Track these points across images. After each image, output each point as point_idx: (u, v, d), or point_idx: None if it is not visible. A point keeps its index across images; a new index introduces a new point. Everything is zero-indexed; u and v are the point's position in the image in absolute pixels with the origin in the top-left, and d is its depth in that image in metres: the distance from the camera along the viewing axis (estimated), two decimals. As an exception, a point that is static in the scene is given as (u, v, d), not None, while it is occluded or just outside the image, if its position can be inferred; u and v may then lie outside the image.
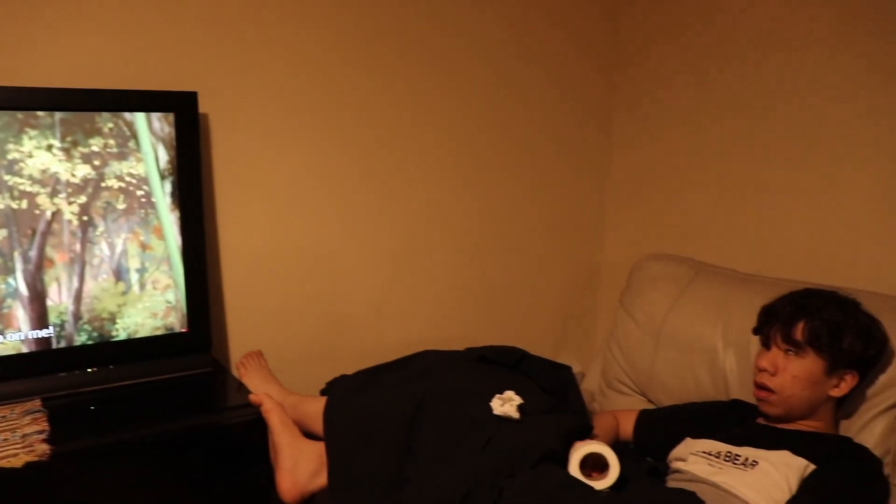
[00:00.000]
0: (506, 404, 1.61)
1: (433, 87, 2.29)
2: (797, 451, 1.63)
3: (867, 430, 1.78)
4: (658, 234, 2.63)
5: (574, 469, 1.54)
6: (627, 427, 1.99)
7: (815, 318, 1.70)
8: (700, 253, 2.41)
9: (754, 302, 1.88)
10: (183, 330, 1.87)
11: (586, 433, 1.73)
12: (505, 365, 1.86)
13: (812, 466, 1.60)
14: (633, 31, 2.62)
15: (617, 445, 1.94)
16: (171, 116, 1.77)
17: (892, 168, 2.01)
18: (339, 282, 2.24)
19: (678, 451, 1.81)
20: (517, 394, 1.64)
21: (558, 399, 1.83)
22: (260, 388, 1.89)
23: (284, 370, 2.07)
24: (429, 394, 1.64)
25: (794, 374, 1.70)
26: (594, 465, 1.60)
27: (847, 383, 1.72)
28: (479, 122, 2.41)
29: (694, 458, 1.73)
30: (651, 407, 2.13)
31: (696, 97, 2.44)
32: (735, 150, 2.36)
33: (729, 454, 1.69)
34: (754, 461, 1.63)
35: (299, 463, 1.69)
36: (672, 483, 1.70)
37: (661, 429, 1.93)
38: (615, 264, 2.72)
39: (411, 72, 2.25)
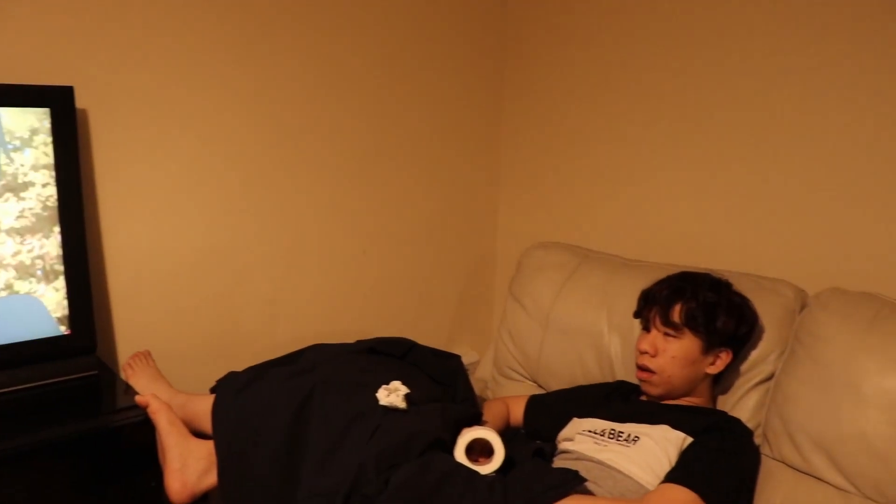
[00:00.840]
0: (392, 394, 1.61)
1: (320, 82, 2.27)
2: (676, 426, 1.68)
3: (742, 403, 1.85)
4: (549, 223, 2.67)
5: (460, 455, 1.55)
6: (518, 412, 2.01)
7: (690, 300, 1.75)
8: (587, 240, 2.46)
9: (636, 286, 1.92)
10: (65, 332, 1.80)
11: (475, 420, 1.75)
12: (393, 356, 1.86)
13: (690, 439, 1.65)
14: (521, 21, 2.64)
15: (508, 431, 1.97)
16: (46, 112, 1.71)
17: (759, 154, 2.10)
18: (230, 280, 2.20)
19: (566, 431, 1.84)
20: (404, 384, 1.64)
21: (447, 388, 1.84)
22: (147, 389, 1.84)
23: (176, 370, 2.02)
24: (315, 387, 1.63)
25: (673, 354, 1.75)
26: (481, 450, 1.62)
27: (722, 360, 1.78)
28: (367, 116, 2.41)
29: (580, 438, 1.76)
30: (541, 392, 2.16)
31: (582, 89, 2.49)
32: (619, 140, 2.42)
33: (612, 431, 1.73)
34: (636, 437, 1.68)
35: (188, 463, 1.66)
36: (559, 463, 1.73)
37: (549, 412, 1.96)
38: (509, 254, 2.75)
39: (298, 66, 2.22)
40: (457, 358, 1.93)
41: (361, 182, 2.44)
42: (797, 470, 1.71)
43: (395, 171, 2.52)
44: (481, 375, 2.52)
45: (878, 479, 1.56)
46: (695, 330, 1.73)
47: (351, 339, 1.97)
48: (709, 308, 1.74)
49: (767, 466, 1.76)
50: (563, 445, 1.80)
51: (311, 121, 2.28)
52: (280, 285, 2.31)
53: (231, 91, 2.12)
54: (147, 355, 2.02)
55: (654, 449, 1.63)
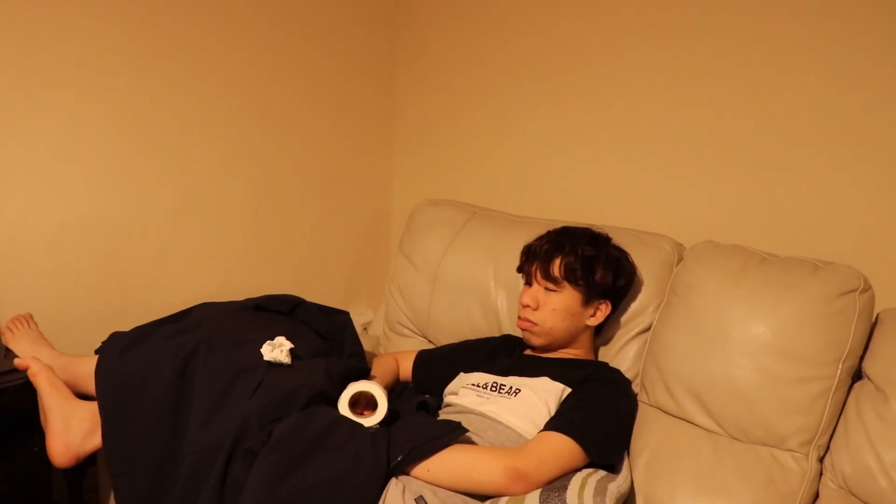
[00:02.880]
0: (276, 350, 1.59)
1: (208, 32, 2.19)
2: (556, 377, 1.70)
3: (622, 354, 1.89)
4: (442, 181, 2.67)
5: (343, 408, 1.54)
6: (406, 367, 2.01)
7: (570, 254, 1.76)
8: (478, 197, 2.46)
9: (522, 242, 1.93)
10: (-65, 295, 1.72)
11: (362, 375, 1.74)
12: (280, 312, 1.84)
13: (569, 390, 1.68)
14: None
15: (398, 386, 1.97)
16: None
17: (640, 114, 2.13)
18: (117, 240, 2.13)
19: (452, 385, 1.85)
20: (289, 339, 1.63)
21: (334, 343, 1.82)
22: (28, 352, 1.76)
23: (63, 334, 1.94)
24: (200, 344, 1.59)
25: (554, 307, 1.77)
26: (366, 404, 1.62)
27: (602, 312, 1.81)
28: (258, 74, 2.34)
29: (464, 391, 1.77)
30: (430, 347, 2.17)
31: (474, 46, 2.49)
32: (508, 98, 2.42)
33: (495, 384, 1.74)
34: (518, 389, 1.69)
35: (71, 425, 1.61)
36: (443, 415, 1.74)
37: (437, 367, 1.97)
38: (404, 212, 2.73)
39: (183, 16, 2.14)
40: (345, 314, 1.91)
41: (253, 141, 2.38)
42: (671, 415, 1.75)
43: (288, 130, 2.47)
44: (375, 332, 2.50)
45: (741, 420, 1.62)
46: (574, 283, 1.76)
47: (242, 297, 1.94)
48: (587, 261, 1.76)
49: (644, 413, 1.79)
50: (448, 399, 1.81)
51: (200, 75, 2.21)
52: (169, 246, 2.25)
53: (111, 45, 2.02)
54: (28, 318, 1.94)
55: (535, 400, 1.65)
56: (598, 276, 1.76)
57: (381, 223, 2.88)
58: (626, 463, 1.64)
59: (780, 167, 1.88)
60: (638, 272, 1.87)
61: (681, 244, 1.93)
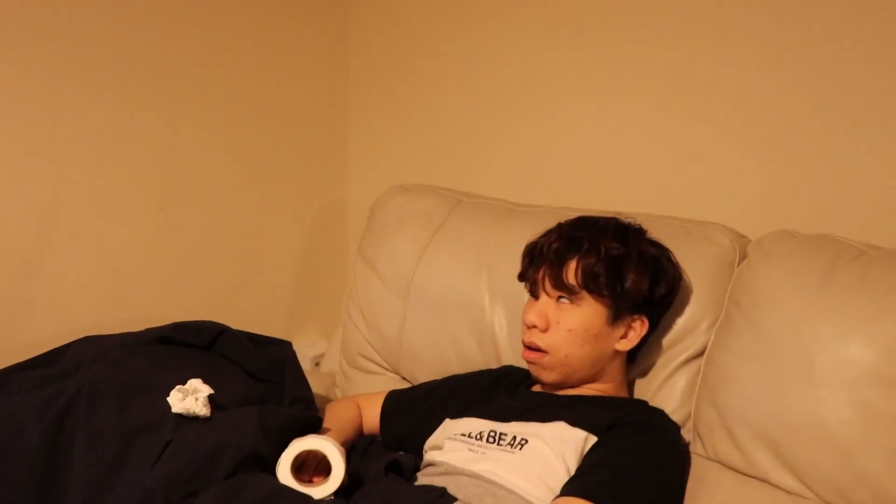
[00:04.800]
0: (188, 398, 1.57)
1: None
2: (575, 422, 1.67)
3: (667, 388, 1.87)
4: (412, 160, 2.69)
5: (285, 474, 1.52)
6: (372, 415, 1.99)
7: (589, 254, 1.74)
8: (461, 180, 2.45)
9: (523, 240, 1.91)
10: None
11: (310, 428, 1.72)
12: (194, 346, 1.82)
13: (594, 439, 1.66)
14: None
15: (361, 441, 1.95)
16: None
17: (685, 68, 2.12)
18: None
19: (435, 437, 1.83)
20: (207, 382, 1.61)
21: (272, 385, 1.81)
22: None
23: None
24: (79, 395, 1.59)
25: (570, 327, 1.75)
26: (317, 467, 1.61)
27: (636, 332, 1.79)
28: (174, 38, 2.35)
29: (451, 444, 1.75)
30: (404, 387, 2.14)
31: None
32: (502, 63, 2.45)
33: (493, 434, 1.72)
34: (524, 440, 1.67)
35: None
36: (423, 479, 1.71)
37: (413, 412, 1.95)
38: (363, 203, 2.70)
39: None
40: (285, 345, 1.90)
41: (155, 113, 2.35)
42: (738, 471, 1.73)
43: (203, 98, 2.45)
44: (329, 368, 2.48)
45: (837, 478, 1.58)
46: (596, 293, 1.73)
47: (141, 328, 1.92)
48: (614, 263, 1.74)
49: (700, 469, 1.77)
50: (429, 456, 1.79)
51: (89, 33, 2.19)
52: (37, 259, 2.21)
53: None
54: None
55: (547, 454, 1.63)
56: (629, 283, 1.74)
57: (333, 220, 2.87)
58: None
59: (882, 132, 1.87)
60: (685, 276, 1.85)
61: (744, 236, 1.91)
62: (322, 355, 2.71)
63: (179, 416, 1.58)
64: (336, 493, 1.52)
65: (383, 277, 2.24)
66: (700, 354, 1.86)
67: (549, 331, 1.76)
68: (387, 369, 2.27)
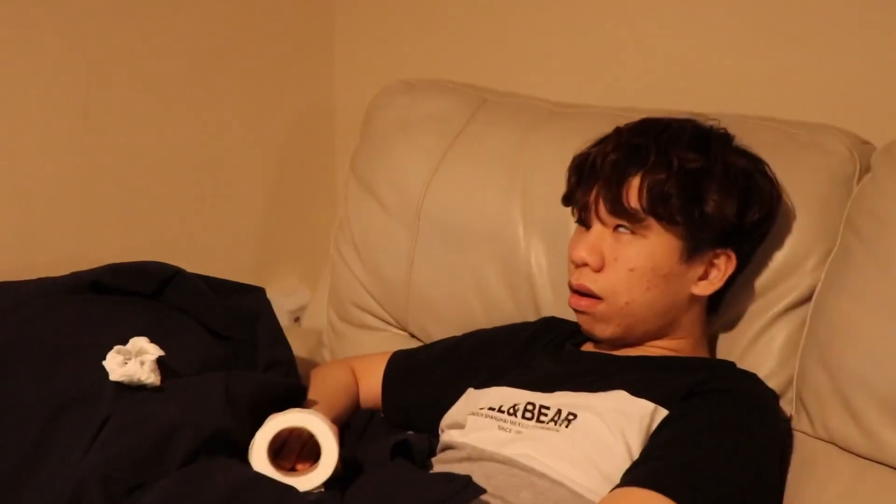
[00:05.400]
0: (131, 362, 1.55)
1: None
2: (639, 390, 1.68)
3: (761, 345, 1.88)
4: (418, 48, 2.69)
5: (259, 459, 1.53)
6: (372, 383, 2.01)
7: (657, 168, 1.74)
8: (484, 73, 2.44)
9: (569, 151, 1.90)
10: None
11: (292, 400, 1.73)
12: (138, 294, 1.83)
13: (664, 412, 1.67)
14: None
15: (358, 417, 1.97)
16: None
17: None
18: None
19: (454, 411, 1.85)
20: (156, 341, 1.60)
21: (239, 345, 1.83)
22: None
23: None
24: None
25: (632, 264, 1.75)
26: (302, 451, 1.62)
27: (719, 271, 1.79)
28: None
29: (476, 421, 1.76)
30: (414, 346, 2.16)
31: None
32: None
33: (531, 407, 1.73)
34: (571, 414, 1.68)
35: None
36: (440, 467, 1.73)
37: (425, 379, 1.97)
38: (355, 106, 2.69)
39: None
40: (257, 292, 1.91)
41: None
42: (856, 455, 1.74)
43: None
44: (313, 323, 2.51)
45: None
46: (667, 220, 1.73)
47: (65, 272, 1.92)
48: (691, 180, 1.73)
49: (806, 451, 1.79)
50: (448, 436, 1.81)
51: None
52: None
53: None
54: None
55: (602, 432, 1.64)
56: (710, 207, 1.73)
57: (316, 128, 2.89)
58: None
59: None
60: (785, 196, 1.85)
61: (866, 142, 1.91)
62: (304, 307, 2.74)
63: (120, 385, 1.56)
64: (327, 484, 1.52)
65: (384, 203, 2.25)
66: (806, 300, 1.86)
67: (604, 270, 1.76)
68: (390, 324, 2.30)
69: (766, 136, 1.90)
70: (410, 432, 1.84)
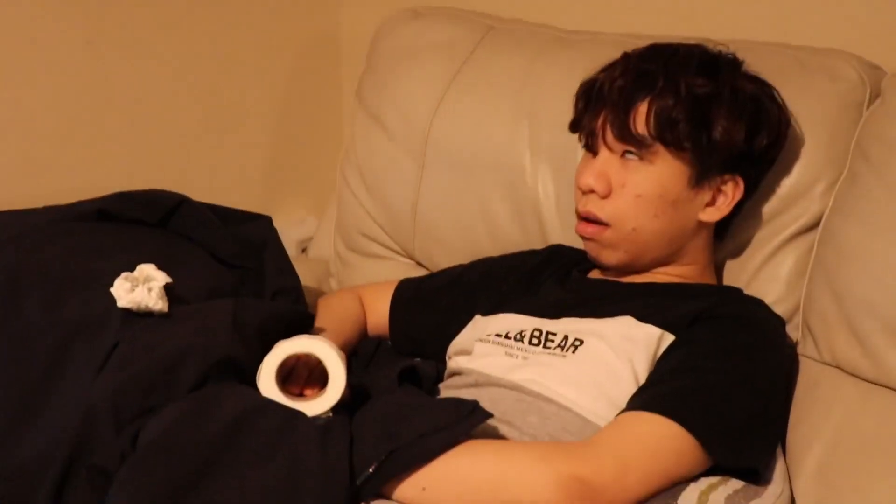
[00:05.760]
0: (139, 288, 1.56)
1: None
2: (646, 316, 1.70)
3: (768, 271, 1.90)
4: None
5: (268, 384, 1.54)
6: (379, 311, 2.03)
7: (665, 94, 1.74)
8: (486, 3, 2.44)
9: (576, 78, 1.90)
10: None
11: (301, 327, 1.74)
12: (143, 222, 1.84)
13: (670, 337, 1.68)
14: None
15: (365, 344, 1.99)
16: None
17: None
18: None
19: (461, 338, 1.87)
20: (162, 268, 1.61)
21: (247, 273, 1.84)
22: None
23: None
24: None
25: (639, 190, 1.75)
26: (309, 377, 1.63)
27: (727, 197, 1.80)
28: None
29: (483, 348, 1.78)
30: (420, 275, 2.18)
31: None
32: None
33: (538, 333, 1.74)
34: (578, 340, 1.70)
35: None
36: (447, 392, 1.75)
37: (432, 306, 1.99)
38: (361, 33, 2.67)
39: None
40: (263, 221, 1.92)
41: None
42: (862, 378, 1.76)
43: None
44: (320, 254, 2.52)
45: None
46: (675, 145, 1.73)
47: (70, 201, 1.93)
48: (699, 105, 1.73)
49: (811, 375, 1.81)
50: (455, 362, 1.83)
51: None
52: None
53: None
54: None
55: (608, 357, 1.65)
56: (718, 132, 1.74)
57: (323, 57, 2.89)
58: (778, 467, 1.65)
59: None
60: (794, 122, 1.85)
61: (877, 67, 1.91)
62: (310, 238, 2.75)
63: (128, 312, 1.58)
64: (335, 409, 1.53)
65: (391, 131, 2.26)
66: (814, 226, 1.88)
67: (611, 197, 1.77)
68: (397, 252, 2.32)
69: (775, 61, 1.89)
70: (417, 359, 1.84)
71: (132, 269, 1.61)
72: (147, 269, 1.61)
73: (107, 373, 1.50)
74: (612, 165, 1.77)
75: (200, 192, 2.00)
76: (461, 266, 2.08)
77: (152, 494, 1.35)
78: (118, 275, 1.59)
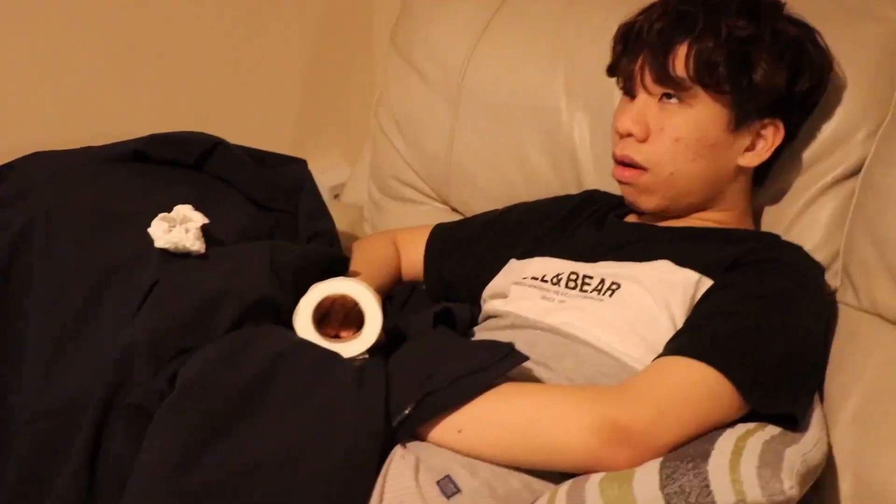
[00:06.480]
0: (176, 228, 1.58)
1: None
2: (684, 260, 1.70)
3: (807, 217, 1.89)
4: None
5: (304, 325, 1.56)
6: (414, 255, 2.05)
7: (705, 36, 1.73)
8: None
9: (615, 18, 1.90)
10: None
11: (335, 269, 1.76)
12: (179, 164, 1.85)
13: (708, 282, 1.68)
14: None
15: (400, 288, 2.02)
16: None
17: None
18: None
19: (497, 282, 1.87)
20: (199, 209, 1.63)
21: (282, 216, 1.86)
22: None
23: None
24: (31, 227, 1.62)
25: (677, 134, 1.75)
26: (345, 319, 1.66)
27: (767, 142, 1.79)
28: None
29: (519, 291, 1.79)
30: (454, 219, 2.19)
31: None
32: None
33: (574, 277, 1.75)
34: (615, 284, 1.70)
35: None
36: (483, 334, 1.76)
37: (467, 250, 2.01)
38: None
39: None
40: (299, 164, 1.94)
41: None
42: (900, 325, 1.75)
43: None
44: (354, 197, 2.54)
45: None
46: (714, 88, 1.73)
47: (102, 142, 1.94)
48: (739, 48, 1.72)
49: (850, 322, 1.81)
50: (491, 305, 1.83)
51: None
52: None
53: None
54: None
55: (646, 301, 1.66)
56: (759, 75, 1.73)
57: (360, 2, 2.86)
58: (816, 414, 1.65)
59: None
60: (836, 65, 1.84)
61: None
62: (343, 185, 2.76)
63: (165, 252, 1.60)
64: (370, 351, 1.56)
65: (425, 76, 2.26)
66: (855, 173, 1.87)
67: (649, 140, 1.77)
68: (432, 198, 2.33)
69: (817, 4, 1.88)
70: (450, 303, 1.84)
71: (169, 210, 1.62)
72: (184, 210, 1.62)
73: (145, 312, 1.53)
74: (650, 109, 1.77)
75: (232, 137, 2.00)
76: (496, 211, 2.09)
77: (190, 433, 1.38)
78: (155, 215, 1.61)
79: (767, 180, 1.89)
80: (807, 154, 1.88)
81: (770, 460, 1.41)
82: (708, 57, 1.71)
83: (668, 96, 1.75)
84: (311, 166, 2.04)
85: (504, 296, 1.81)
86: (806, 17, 1.82)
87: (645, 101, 1.77)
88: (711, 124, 1.75)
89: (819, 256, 1.84)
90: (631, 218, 1.90)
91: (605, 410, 1.48)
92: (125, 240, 1.62)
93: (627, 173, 1.79)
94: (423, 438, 1.49)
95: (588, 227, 1.91)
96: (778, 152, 1.82)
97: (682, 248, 1.74)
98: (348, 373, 1.48)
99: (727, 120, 1.75)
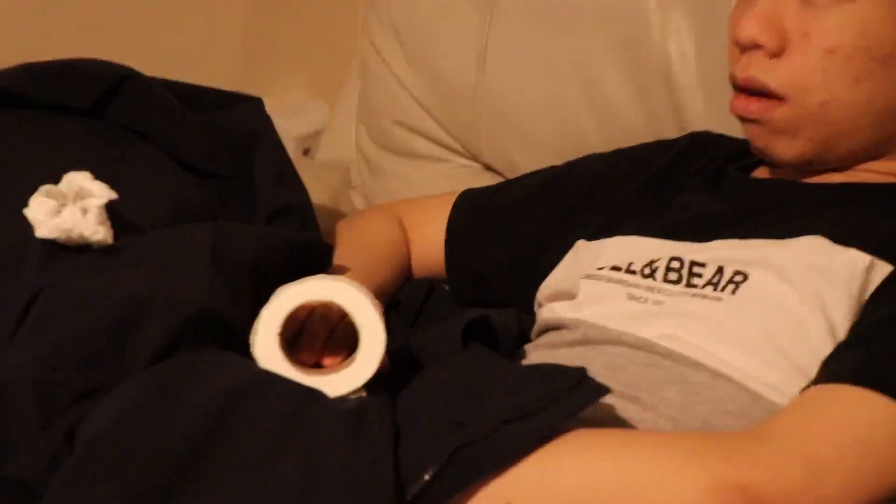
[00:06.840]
0: (68, 209, 1.57)
1: None
2: (846, 236, 1.67)
3: None
4: None
5: (268, 350, 1.54)
6: (431, 238, 2.05)
7: None
8: None
9: None
10: None
11: (315, 260, 1.77)
12: (68, 109, 1.85)
13: (886, 266, 1.65)
14: None
15: (413, 288, 2.01)
16: None
17: None
18: None
19: (559, 275, 1.88)
20: (100, 178, 1.62)
21: (226, 183, 1.86)
22: None
23: None
24: None
25: (832, 42, 1.73)
26: (333, 337, 1.64)
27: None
28: None
29: (593, 287, 1.78)
30: (489, 183, 2.19)
31: None
32: None
33: (677, 265, 1.74)
34: (739, 273, 1.68)
35: None
36: (538, 355, 1.75)
37: (509, 229, 2.01)
38: None
39: None
40: (252, 104, 1.95)
41: None
42: None
43: None
44: (335, 155, 2.54)
45: None
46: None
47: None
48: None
49: None
50: (549, 311, 1.83)
51: None
52: None
53: None
54: None
55: (789, 300, 1.63)
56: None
57: None
58: None
59: None
60: None
61: None
62: (319, 132, 2.77)
63: (52, 245, 1.59)
64: (369, 386, 1.54)
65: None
66: None
67: (786, 53, 1.75)
68: (453, 151, 2.34)
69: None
70: (484, 311, 1.81)
71: (56, 181, 1.61)
72: (79, 180, 1.61)
73: (24, 337, 1.52)
74: (787, 6, 1.74)
75: (159, 66, 2.02)
76: (552, 168, 2.08)
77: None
78: (35, 189, 1.59)
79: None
80: None
81: None
82: None
83: None
84: (271, 107, 2.04)
85: (571, 296, 1.81)
86: None
87: (777, -2, 1.73)
88: (884, 28, 1.73)
89: None
90: (761, 172, 1.89)
91: (732, 470, 1.45)
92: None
93: (754, 105, 1.77)
94: (454, 516, 1.47)
95: (695, 187, 1.91)
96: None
97: (843, 216, 1.72)
98: (336, 420, 1.47)
99: (901, 24, 1.71)
